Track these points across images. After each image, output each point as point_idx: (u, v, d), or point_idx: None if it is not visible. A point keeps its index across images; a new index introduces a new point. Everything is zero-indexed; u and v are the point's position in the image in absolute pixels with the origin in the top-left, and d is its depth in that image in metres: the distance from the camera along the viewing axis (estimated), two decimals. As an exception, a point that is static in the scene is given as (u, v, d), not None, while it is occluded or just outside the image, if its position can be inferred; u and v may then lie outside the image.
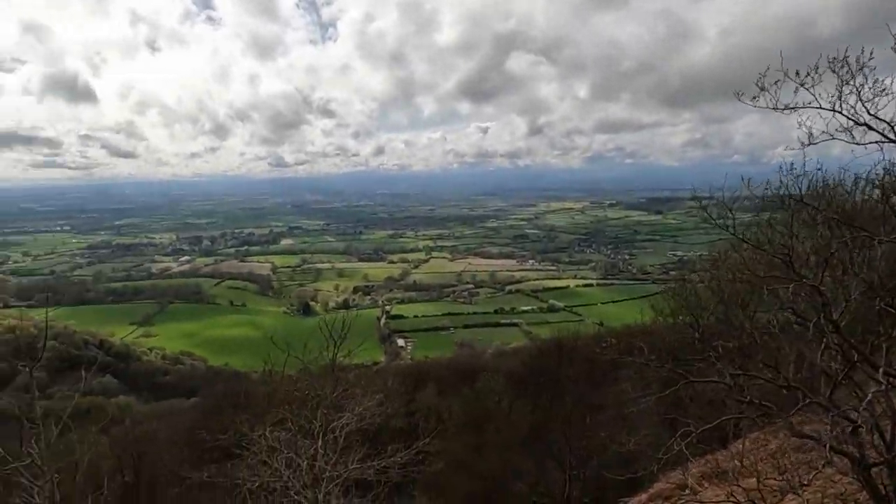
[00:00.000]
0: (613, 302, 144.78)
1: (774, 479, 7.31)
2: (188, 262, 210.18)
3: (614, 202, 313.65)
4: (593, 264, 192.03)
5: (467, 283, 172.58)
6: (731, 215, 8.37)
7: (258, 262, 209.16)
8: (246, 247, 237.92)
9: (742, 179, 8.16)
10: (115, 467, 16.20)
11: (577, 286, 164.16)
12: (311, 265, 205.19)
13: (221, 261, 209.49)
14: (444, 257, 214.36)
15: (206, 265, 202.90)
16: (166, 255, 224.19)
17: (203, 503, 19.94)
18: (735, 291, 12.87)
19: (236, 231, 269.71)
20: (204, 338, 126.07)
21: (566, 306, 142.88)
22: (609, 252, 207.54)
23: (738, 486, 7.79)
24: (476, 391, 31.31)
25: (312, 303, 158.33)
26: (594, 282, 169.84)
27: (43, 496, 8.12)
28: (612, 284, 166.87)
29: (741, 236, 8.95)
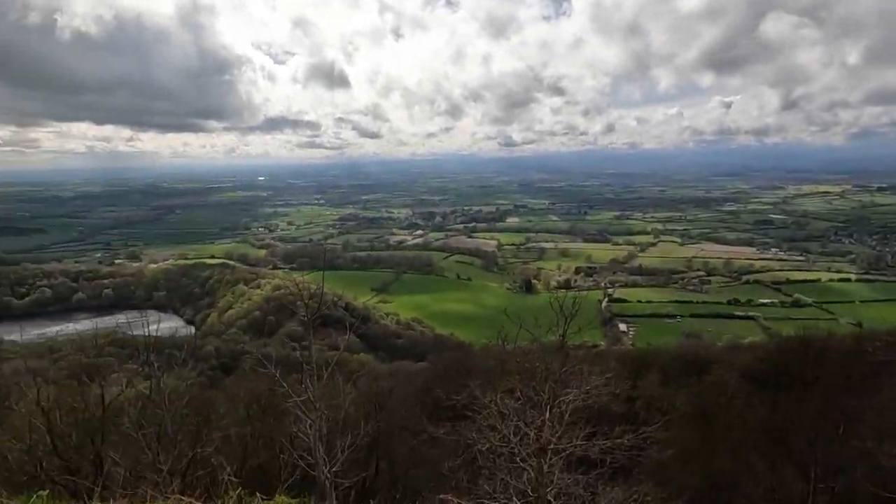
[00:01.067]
0: (877, 301, 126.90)
1: None
2: (421, 235, 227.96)
3: (885, 186, 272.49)
4: (853, 257, 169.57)
5: (698, 269, 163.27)
6: None
7: (484, 238, 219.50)
8: (474, 223, 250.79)
9: None
10: (363, 415, 18.26)
11: (831, 280, 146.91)
12: (534, 244, 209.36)
13: (451, 236, 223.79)
14: (673, 241, 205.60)
15: (436, 239, 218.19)
16: (402, 228, 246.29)
17: (433, 458, 21.57)
18: None
19: (465, 208, 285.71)
20: (432, 310, 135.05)
21: (815, 302, 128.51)
22: (875, 243, 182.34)
23: None
24: (706, 384, 29.61)
25: (535, 281, 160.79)
26: (852, 276, 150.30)
27: (314, 428, 9.63)
28: (876, 281, 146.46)
29: None
